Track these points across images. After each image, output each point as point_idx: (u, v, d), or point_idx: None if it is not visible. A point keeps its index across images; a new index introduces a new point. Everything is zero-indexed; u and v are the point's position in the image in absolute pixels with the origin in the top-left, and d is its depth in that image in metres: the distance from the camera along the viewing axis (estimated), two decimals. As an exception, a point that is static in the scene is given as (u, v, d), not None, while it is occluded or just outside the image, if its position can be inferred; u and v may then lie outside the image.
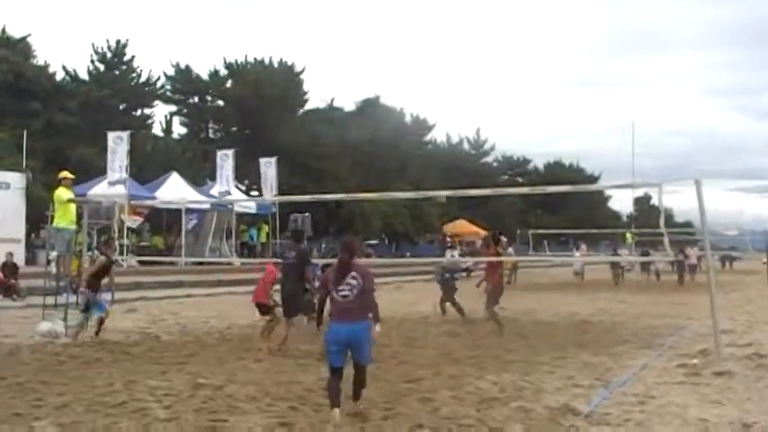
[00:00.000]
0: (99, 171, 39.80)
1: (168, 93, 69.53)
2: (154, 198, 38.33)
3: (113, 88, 61.29)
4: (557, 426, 9.53)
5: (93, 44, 64.54)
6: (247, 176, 58.43)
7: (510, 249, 46.77)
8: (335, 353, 9.74)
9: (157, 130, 68.94)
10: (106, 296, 17.83)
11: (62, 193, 21.46)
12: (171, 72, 69.44)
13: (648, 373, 13.21)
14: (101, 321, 16.98)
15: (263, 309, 16.43)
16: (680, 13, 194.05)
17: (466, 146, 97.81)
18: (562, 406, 10.36)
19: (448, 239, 59.32)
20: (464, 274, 28.77)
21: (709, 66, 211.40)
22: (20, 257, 31.01)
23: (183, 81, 69.55)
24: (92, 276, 17.07)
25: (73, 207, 21.18)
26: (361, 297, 9.80)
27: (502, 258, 21.03)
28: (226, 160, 44.91)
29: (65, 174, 21.88)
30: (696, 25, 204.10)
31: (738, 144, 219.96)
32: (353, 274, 9.86)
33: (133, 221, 39.09)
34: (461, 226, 73.14)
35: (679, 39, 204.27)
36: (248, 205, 45.53)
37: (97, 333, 16.86)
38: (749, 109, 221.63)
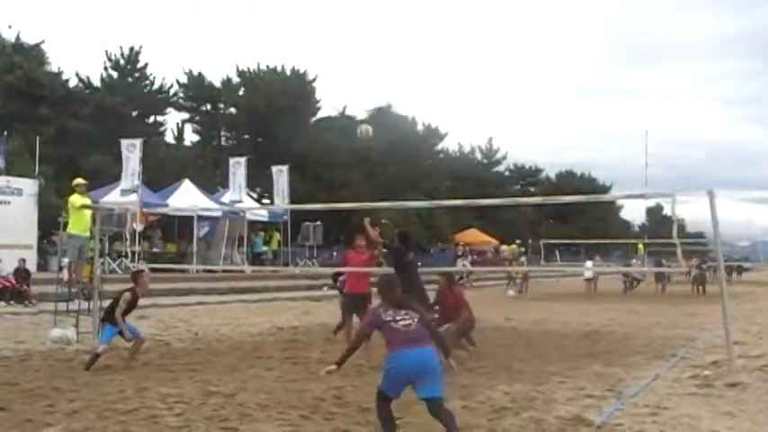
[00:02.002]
0: (111, 178, 39.90)
1: (181, 100, 69.65)
2: (166, 205, 38.38)
3: (126, 95, 61.44)
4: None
5: (106, 51, 64.81)
6: (259, 184, 58.43)
7: (522, 259, 46.77)
8: (400, 382, 8.86)
9: (170, 137, 69.17)
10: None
11: (76, 199, 21.48)
12: (184, 79, 69.64)
13: (660, 385, 13.16)
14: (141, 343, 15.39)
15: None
16: (693, 22, 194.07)
17: (478, 155, 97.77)
18: (574, 417, 10.33)
19: (459, 248, 59.35)
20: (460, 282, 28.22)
21: (723, 75, 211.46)
22: (32, 263, 31.08)
23: (196, 88, 69.67)
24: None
25: (87, 214, 21.17)
26: (422, 325, 9.05)
27: (511, 269, 20.73)
28: (238, 168, 44.96)
29: (78, 180, 21.88)
30: (709, 34, 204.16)
31: (750, 154, 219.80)
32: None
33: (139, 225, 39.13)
34: (473, 235, 73.09)
35: (692, 48, 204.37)
36: (260, 213, 45.53)
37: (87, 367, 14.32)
38: (762, 119, 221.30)
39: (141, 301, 15.11)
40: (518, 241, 55.84)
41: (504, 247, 68.55)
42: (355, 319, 15.95)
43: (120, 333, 14.49)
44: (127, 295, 14.65)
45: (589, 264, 49.03)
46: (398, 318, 8.98)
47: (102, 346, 14.36)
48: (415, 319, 8.98)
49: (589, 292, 42.29)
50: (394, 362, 8.80)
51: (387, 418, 9.04)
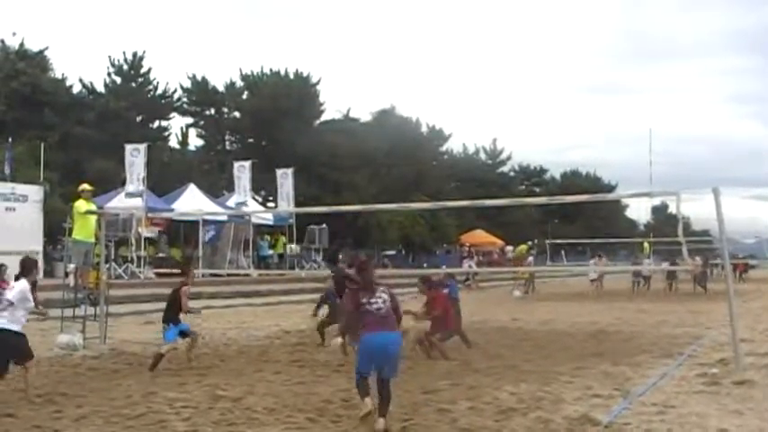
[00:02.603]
0: (116, 183, 39.92)
1: (185, 105, 69.61)
2: (171, 210, 38.38)
3: (130, 100, 61.38)
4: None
5: (109, 57, 64.71)
6: (264, 188, 58.45)
7: (530, 259, 46.72)
8: (368, 360, 10.08)
9: (174, 142, 69.13)
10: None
11: (80, 205, 21.45)
12: (187, 84, 69.56)
13: (668, 383, 13.15)
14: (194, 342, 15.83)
15: None
16: (697, 19, 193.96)
17: (482, 156, 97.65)
18: (581, 416, 10.33)
19: (465, 249, 59.36)
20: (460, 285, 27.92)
21: (727, 73, 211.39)
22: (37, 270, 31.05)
23: (200, 93, 69.61)
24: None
25: (92, 220, 21.15)
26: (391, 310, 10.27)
27: (516, 269, 20.67)
28: (243, 171, 44.96)
29: (84, 186, 21.83)
30: (713, 32, 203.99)
31: (756, 151, 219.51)
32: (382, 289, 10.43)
33: (150, 231, 39.15)
34: (478, 236, 73.10)
35: (696, 46, 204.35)
36: (265, 216, 45.51)
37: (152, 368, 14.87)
38: (767, 116, 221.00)
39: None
40: (529, 243, 55.79)
41: (509, 248, 68.57)
42: None
43: (181, 332, 15.13)
44: (185, 289, 15.40)
45: (591, 262, 49.12)
46: (372, 300, 10.20)
47: (166, 345, 14.86)
48: (387, 302, 10.24)
49: (595, 292, 42.29)
50: (365, 343, 10.23)
51: (364, 393, 9.97)
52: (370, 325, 10.12)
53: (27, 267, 12.73)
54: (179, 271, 18.74)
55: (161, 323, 15.60)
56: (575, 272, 58.68)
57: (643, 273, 44.88)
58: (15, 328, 11.91)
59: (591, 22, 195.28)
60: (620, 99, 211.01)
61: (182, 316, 15.25)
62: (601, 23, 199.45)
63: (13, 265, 28.57)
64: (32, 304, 12.47)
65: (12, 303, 11.91)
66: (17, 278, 12.72)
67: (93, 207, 21.66)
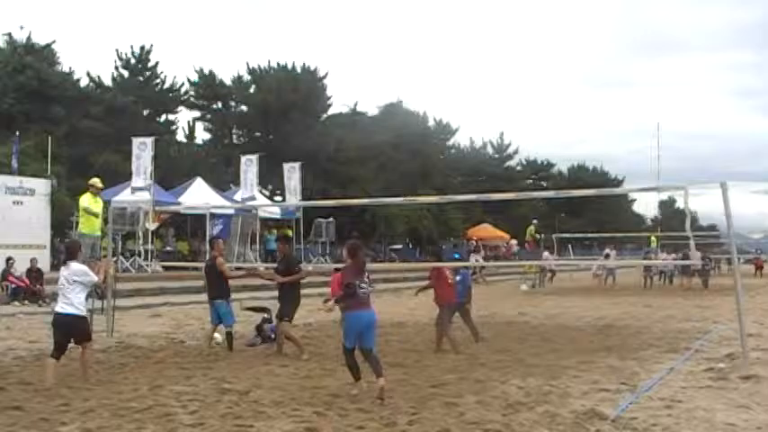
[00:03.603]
0: (124, 177, 39.90)
1: (192, 98, 69.55)
2: (178, 204, 38.38)
3: (137, 94, 61.41)
4: (583, 430, 9.49)
5: (117, 50, 64.79)
6: (271, 181, 58.38)
7: (546, 253, 46.60)
8: (355, 336, 11.64)
9: (181, 135, 69.12)
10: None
11: (83, 200, 21.45)
12: (194, 78, 69.49)
13: (675, 378, 13.14)
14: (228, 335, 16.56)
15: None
16: (703, 13, 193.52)
17: (489, 150, 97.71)
18: (588, 410, 10.31)
19: (472, 243, 59.27)
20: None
21: (734, 67, 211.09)
22: (45, 263, 31.11)
23: (207, 87, 69.57)
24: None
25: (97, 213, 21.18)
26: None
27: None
28: (250, 165, 44.93)
29: (94, 180, 21.82)
30: (720, 27, 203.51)
31: (763, 146, 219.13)
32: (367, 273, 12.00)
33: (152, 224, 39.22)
34: (485, 230, 73.08)
35: (703, 39, 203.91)
36: (272, 210, 45.48)
37: (230, 348, 16.27)
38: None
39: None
40: (535, 221, 55.68)
41: (514, 242, 68.57)
42: None
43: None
44: (221, 259, 16.47)
45: (601, 259, 49.15)
46: (362, 285, 11.69)
47: (230, 326, 16.40)
48: (370, 287, 11.92)
49: (603, 285, 42.36)
50: (354, 320, 11.67)
51: (353, 365, 11.72)
52: (357, 305, 11.61)
53: (72, 250, 13.39)
54: (183, 265, 18.85)
55: (211, 301, 16.58)
56: (581, 266, 58.73)
57: (659, 267, 44.89)
58: (72, 310, 12.48)
59: (598, 16, 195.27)
60: (627, 93, 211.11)
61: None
62: (608, 18, 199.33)
63: (21, 259, 28.80)
64: (93, 278, 13.09)
65: (67, 286, 12.55)
66: (64, 262, 13.18)
67: (98, 203, 21.62)
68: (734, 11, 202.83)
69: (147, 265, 35.85)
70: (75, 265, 12.89)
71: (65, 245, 13.45)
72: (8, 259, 27.93)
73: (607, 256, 48.11)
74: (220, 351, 16.15)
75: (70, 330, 12.58)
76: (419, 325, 20.43)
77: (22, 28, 57.84)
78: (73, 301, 12.50)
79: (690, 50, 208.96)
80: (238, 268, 38.13)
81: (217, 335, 16.86)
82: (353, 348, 11.63)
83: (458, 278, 17.57)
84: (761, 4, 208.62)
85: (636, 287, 42.01)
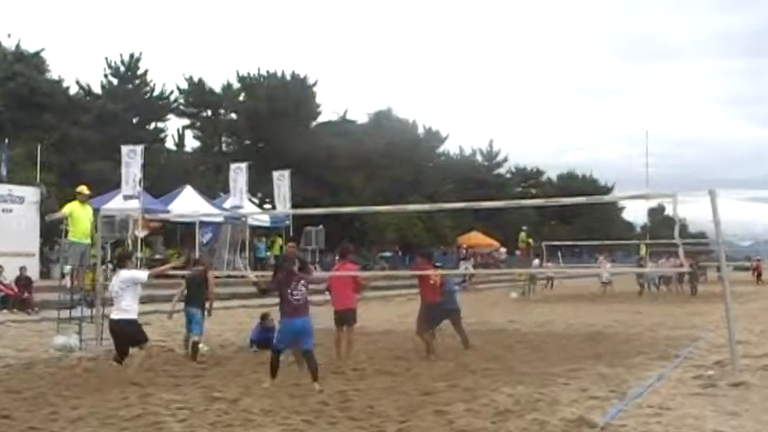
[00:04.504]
0: (113, 185, 39.85)
1: (181, 106, 69.47)
2: (168, 211, 38.33)
3: (127, 102, 61.36)
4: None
5: (106, 58, 64.61)
6: (260, 189, 58.33)
7: (536, 261, 46.67)
8: (289, 341, 13.07)
9: (171, 143, 68.99)
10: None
11: (67, 208, 21.33)
12: (184, 85, 69.39)
13: (664, 385, 13.17)
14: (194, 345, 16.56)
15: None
16: (691, 20, 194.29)
17: (479, 157, 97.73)
18: (578, 418, 10.32)
19: (462, 250, 59.31)
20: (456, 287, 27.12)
21: (722, 74, 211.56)
22: (34, 271, 31.08)
23: (196, 94, 69.50)
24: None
25: (86, 221, 21.08)
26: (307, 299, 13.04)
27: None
28: (239, 173, 44.86)
29: (81, 188, 21.72)
30: (708, 33, 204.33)
31: (752, 153, 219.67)
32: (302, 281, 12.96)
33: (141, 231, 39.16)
34: (476, 238, 73.14)
35: (691, 47, 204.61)
36: (262, 218, 45.43)
37: (193, 358, 16.20)
38: (762, 117, 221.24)
39: (143, 308, 15.15)
40: (525, 228, 55.82)
41: (503, 249, 68.64)
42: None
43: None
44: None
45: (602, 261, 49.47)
46: (295, 292, 12.73)
47: (198, 336, 16.62)
48: (305, 293, 12.90)
49: (606, 293, 42.51)
50: (285, 326, 12.93)
51: (275, 365, 12.88)
52: (291, 311, 12.75)
53: (122, 259, 14.23)
54: (173, 273, 18.80)
55: (186, 308, 16.71)
56: (571, 273, 58.81)
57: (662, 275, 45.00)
58: (125, 316, 13.31)
59: (585, 23, 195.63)
60: (616, 101, 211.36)
61: None
62: (595, 25, 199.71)
63: (10, 267, 28.72)
64: (142, 277, 13.85)
65: (118, 293, 13.33)
66: (114, 270, 14.49)
67: (86, 210, 21.48)
68: (720, 18, 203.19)
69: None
70: (124, 273, 13.57)
71: (116, 254, 14.28)
72: (-3, 267, 27.88)
73: (614, 261, 48.29)
74: (209, 360, 16.14)
75: (125, 335, 13.37)
76: (408, 332, 20.38)
77: (9, 36, 57.60)
78: (124, 307, 13.26)
79: (677, 58, 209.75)
80: (228, 276, 38.30)
81: (203, 345, 16.90)
82: (281, 351, 13.06)
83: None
84: (747, 12, 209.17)
85: (627, 294, 42.01)
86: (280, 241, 47.69)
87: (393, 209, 28.27)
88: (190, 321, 16.40)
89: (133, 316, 13.46)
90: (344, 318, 16.76)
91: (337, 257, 18.78)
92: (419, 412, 10.79)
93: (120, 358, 13.40)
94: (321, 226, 47.37)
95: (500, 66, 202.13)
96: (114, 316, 13.34)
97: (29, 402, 11.54)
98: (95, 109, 58.83)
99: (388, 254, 67.00)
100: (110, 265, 19.52)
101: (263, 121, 64.68)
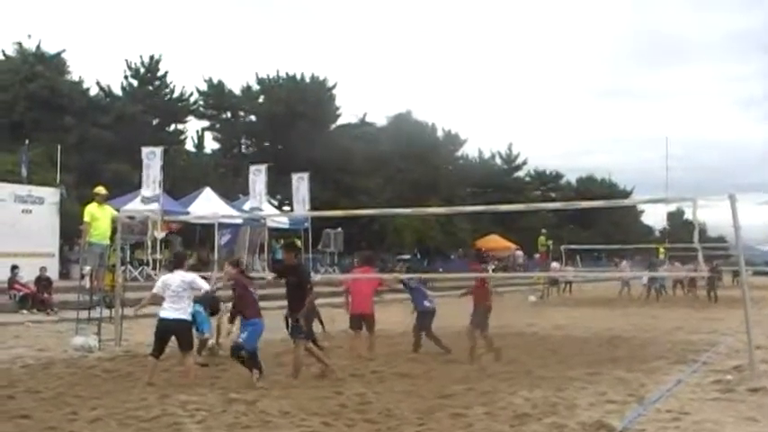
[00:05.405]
0: (133, 186, 39.94)
1: (201, 108, 69.57)
2: (187, 213, 38.38)
3: (146, 104, 61.48)
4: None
5: (126, 60, 64.73)
6: (279, 191, 58.31)
7: (555, 264, 46.55)
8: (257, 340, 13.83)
9: (190, 145, 69.06)
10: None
11: (86, 211, 21.38)
12: (204, 87, 69.53)
13: (683, 390, 13.12)
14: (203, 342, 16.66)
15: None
16: (710, 22, 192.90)
17: (498, 161, 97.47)
18: (596, 422, 10.30)
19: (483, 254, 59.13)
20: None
21: (742, 77, 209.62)
22: (53, 272, 31.21)
23: (216, 96, 69.62)
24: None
25: (106, 221, 21.14)
26: None
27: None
28: (258, 175, 44.82)
29: (99, 189, 21.77)
30: (726, 35, 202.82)
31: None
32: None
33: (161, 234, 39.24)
34: (494, 241, 72.94)
35: (710, 49, 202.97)
36: (281, 220, 45.43)
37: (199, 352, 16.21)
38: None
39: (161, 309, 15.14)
40: (544, 231, 55.74)
41: (519, 253, 68.52)
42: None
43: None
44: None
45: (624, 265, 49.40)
46: (255, 294, 13.79)
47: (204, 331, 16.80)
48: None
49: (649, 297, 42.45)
50: (258, 327, 13.68)
51: (259, 362, 13.57)
52: (256, 313, 13.75)
53: (179, 259, 14.65)
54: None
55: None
56: (589, 277, 58.68)
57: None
58: (181, 316, 13.51)
59: (605, 27, 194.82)
60: (635, 103, 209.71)
61: None
62: (614, 28, 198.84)
63: (30, 267, 28.84)
64: (204, 286, 13.98)
65: (177, 293, 13.48)
66: (171, 271, 14.19)
67: (104, 210, 21.52)
68: (738, 20, 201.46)
69: (155, 275, 35.83)
70: (186, 275, 13.83)
71: (174, 254, 14.63)
72: (13, 267, 28.00)
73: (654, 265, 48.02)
74: (226, 361, 16.16)
75: (177, 334, 13.53)
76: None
77: (30, 37, 57.77)
78: (181, 307, 13.46)
79: (696, 60, 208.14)
80: (248, 278, 38.18)
81: (212, 341, 16.98)
82: (257, 349, 13.75)
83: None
84: (766, 13, 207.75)
85: (646, 299, 41.91)
86: (298, 243, 47.73)
87: (411, 212, 28.30)
88: (194, 320, 16.31)
89: (189, 318, 13.80)
90: (363, 322, 17.05)
91: (356, 261, 18.95)
92: (437, 415, 10.79)
93: (158, 355, 13.55)
94: (340, 228, 47.41)
95: (519, 69, 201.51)
96: (169, 315, 13.38)
97: (48, 402, 11.59)
98: (115, 110, 58.92)
99: (406, 256, 66.99)
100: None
101: (283, 123, 64.75)
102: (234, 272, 14.18)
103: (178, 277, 13.63)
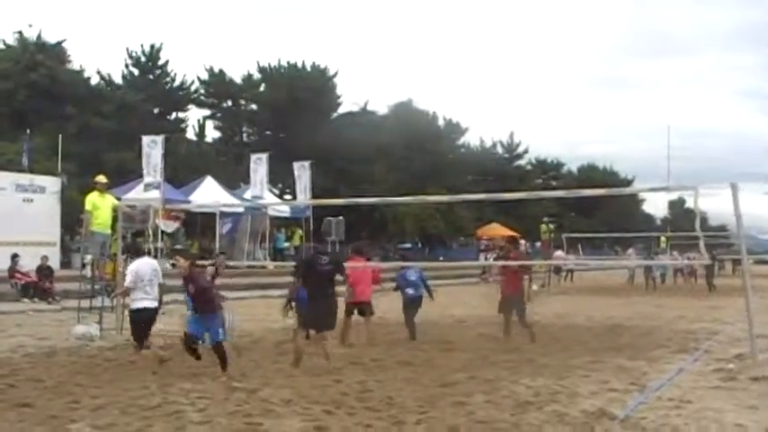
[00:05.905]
0: (134, 175, 39.93)
1: (202, 97, 69.52)
2: (188, 202, 38.36)
3: (148, 92, 61.43)
4: (592, 430, 9.48)
5: (127, 49, 64.73)
6: (281, 180, 58.32)
7: (558, 252, 46.51)
8: None
9: (191, 134, 69.00)
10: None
11: (88, 200, 21.40)
12: (205, 76, 69.43)
13: (684, 378, 13.13)
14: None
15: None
16: (712, 12, 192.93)
17: (499, 149, 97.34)
18: (597, 410, 10.31)
19: (483, 242, 59.15)
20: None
21: (743, 67, 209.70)
22: (55, 261, 31.19)
23: (217, 85, 69.52)
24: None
25: (107, 210, 21.16)
26: None
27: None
28: (259, 164, 44.77)
29: (99, 177, 21.79)
30: (728, 26, 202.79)
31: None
32: None
33: (168, 226, 39.19)
34: (495, 229, 72.87)
35: (712, 39, 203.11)
36: (282, 209, 45.41)
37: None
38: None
39: (163, 298, 15.17)
40: (546, 219, 55.71)
41: (522, 242, 68.45)
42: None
43: None
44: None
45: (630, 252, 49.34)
46: (208, 282, 13.66)
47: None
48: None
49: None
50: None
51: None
52: (215, 307, 13.66)
53: (138, 248, 15.62)
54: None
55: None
56: (591, 266, 58.69)
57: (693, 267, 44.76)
58: (155, 304, 14.26)
59: (607, 16, 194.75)
60: (637, 93, 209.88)
61: None
62: (616, 16, 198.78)
63: (31, 256, 28.83)
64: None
65: (151, 281, 14.16)
66: (132, 259, 15.19)
67: (105, 199, 21.56)
68: (741, 10, 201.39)
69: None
70: (149, 262, 14.80)
71: (132, 243, 14.80)
72: (13, 256, 27.98)
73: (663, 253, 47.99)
74: (229, 350, 16.15)
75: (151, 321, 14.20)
76: (429, 323, 20.36)
77: (30, 26, 57.69)
78: (154, 296, 14.25)
79: (698, 50, 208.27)
80: (249, 267, 38.31)
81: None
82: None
83: (413, 277, 18.78)
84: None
85: (646, 288, 41.91)
86: (299, 232, 47.73)
87: (412, 200, 28.32)
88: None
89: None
90: (362, 310, 17.39)
91: (350, 251, 19.13)
92: (438, 403, 10.79)
93: (146, 345, 14.10)
94: (341, 217, 47.33)
95: (521, 58, 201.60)
96: (149, 305, 14.28)
97: (49, 391, 11.59)
98: (116, 99, 58.84)
99: (407, 245, 66.95)
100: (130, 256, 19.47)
101: (284, 111, 64.68)
102: (185, 264, 13.44)
103: (148, 267, 14.18)
